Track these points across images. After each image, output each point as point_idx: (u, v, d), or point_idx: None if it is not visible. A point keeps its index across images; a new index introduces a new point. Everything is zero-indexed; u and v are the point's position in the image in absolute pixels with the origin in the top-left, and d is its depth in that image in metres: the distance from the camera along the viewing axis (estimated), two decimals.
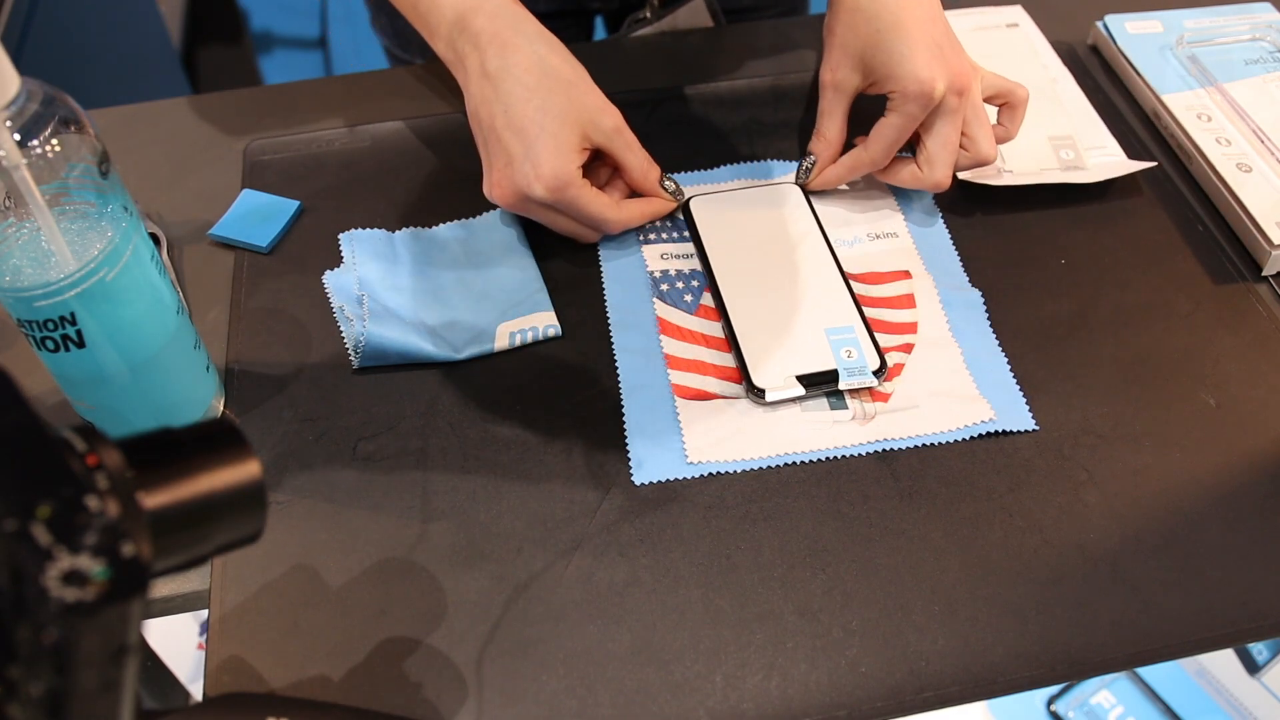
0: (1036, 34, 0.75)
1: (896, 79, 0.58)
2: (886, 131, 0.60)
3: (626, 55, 0.76)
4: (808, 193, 0.64)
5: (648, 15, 0.78)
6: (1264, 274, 0.60)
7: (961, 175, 0.65)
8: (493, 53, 0.56)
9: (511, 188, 0.56)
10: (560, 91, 0.56)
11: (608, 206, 0.58)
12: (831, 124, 0.63)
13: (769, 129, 0.69)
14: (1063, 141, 0.67)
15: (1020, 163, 0.66)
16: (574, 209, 0.57)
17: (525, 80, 0.56)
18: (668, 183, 0.61)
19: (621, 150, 0.58)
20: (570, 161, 0.55)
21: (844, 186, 0.65)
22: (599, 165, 0.61)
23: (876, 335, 0.56)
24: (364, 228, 0.62)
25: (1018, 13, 0.77)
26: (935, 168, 0.60)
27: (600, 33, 0.99)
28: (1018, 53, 0.74)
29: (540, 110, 0.55)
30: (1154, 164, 0.65)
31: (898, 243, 0.62)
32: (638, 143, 0.59)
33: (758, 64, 0.75)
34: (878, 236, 0.62)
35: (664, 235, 0.62)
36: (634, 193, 0.62)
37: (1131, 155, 0.67)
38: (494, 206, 0.63)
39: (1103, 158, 0.66)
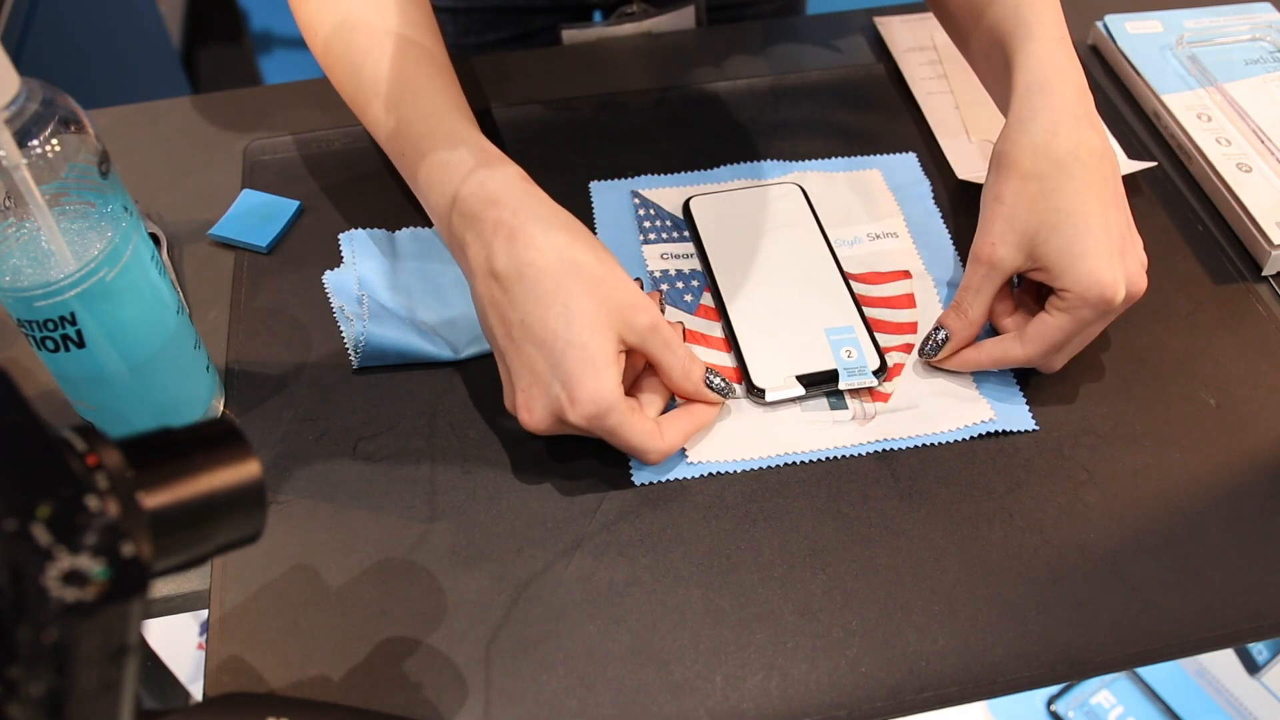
0: None
1: (1074, 278, 0.50)
2: (1051, 333, 0.51)
3: (626, 55, 0.76)
4: (807, 194, 0.64)
5: (634, 11, 0.77)
6: (1264, 274, 0.60)
7: (961, 175, 0.65)
8: (500, 246, 0.48)
9: (543, 413, 0.47)
10: (586, 292, 0.47)
11: (650, 435, 0.48)
12: (978, 303, 0.53)
13: (769, 129, 0.69)
14: None
15: None
16: (613, 437, 0.48)
17: (543, 282, 0.47)
18: (713, 378, 0.51)
19: (660, 351, 0.49)
20: (608, 380, 0.46)
21: (843, 185, 0.65)
22: (634, 353, 0.51)
23: (876, 335, 0.56)
24: (364, 228, 0.62)
25: None
26: (1060, 358, 0.53)
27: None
28: None
29: (563, 319, 0.46)
30: (1154, 164, 0.65)
31: (898, 243, 0.62)
32: (677, 338, 0.49)
33: (757, 64, 0.75)
34: (878, 236, 0.62)
35: (664, 235, 0.62)
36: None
37: (1131, 155, 0.67)
38: None
39: None
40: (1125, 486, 0.51)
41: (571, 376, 0.46)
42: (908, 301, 0.58)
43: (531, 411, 0.48)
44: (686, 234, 0.62)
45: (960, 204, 0.64)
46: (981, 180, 0.63)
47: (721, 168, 0.67)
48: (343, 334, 0.57)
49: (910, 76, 0.72)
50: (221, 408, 0.54)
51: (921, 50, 0.74)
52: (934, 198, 0.64)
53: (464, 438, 0.53)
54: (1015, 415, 0.53)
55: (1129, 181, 0.65)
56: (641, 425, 0.48)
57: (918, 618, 0.46)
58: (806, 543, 0.49)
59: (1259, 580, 0.48)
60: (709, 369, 0.51)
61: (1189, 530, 0.49)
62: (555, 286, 0.47)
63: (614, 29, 0.77)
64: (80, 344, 0.45)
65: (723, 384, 0.51)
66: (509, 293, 0.47)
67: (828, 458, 0.52)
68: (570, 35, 0.78)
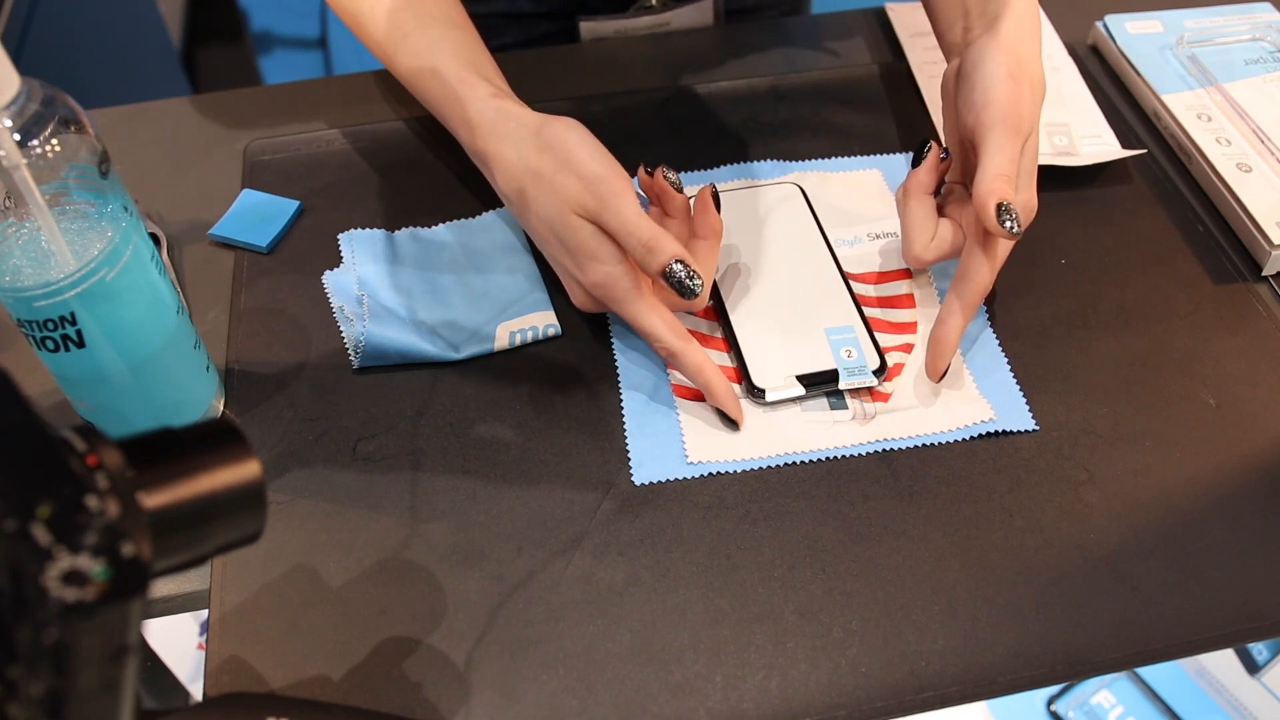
0: (1045, 23, 0.75)
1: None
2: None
3: (626, 55, 0.76)
4: (807, 194, 0.64)
5: (654, 4, 0.78)
6: (1264, 274, 0.60)
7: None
8: (493, 175, 0.55)
9: (578, 298, 0.54)
10: (546, 195, 0.52)
11: (659, 325, 0.51)
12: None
13: (769, 129, 0.69)
14: (1057, 128, 0.67)
15: None
16: (629, 323, 0.52)
17: (522, 200, 0.53)
18: (677, 269, 0.50)
19: (615, 232, 0.51)
20: (606, 260, 0.51)
21: (843, 185, 0.65)
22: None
23: (876, 335, 0.56)
24: (364, 228, 0.62)
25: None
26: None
27: None
28: None
29: (545, 222, 0.52)
30: (1143, 150, 0.65)
31: (898, 242, 0.62)
32: (633, 214, 0.50)
33: (758, 64, 0.75)
34: (878, 236, 0.62)
35: None
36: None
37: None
38: (493, 206, 0.63)
39: (1096, 146, 0.66)
40: (1125, 486, 0.51)
41: (581, 266, 0.52)
42: (908, 301, 0.58)
43: (573, 297, 0.55)
44: None
45: None
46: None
47: (721, 168, 0.67)
48: (343, 334, 0.57)
49: (914, 61, 0.73)
50: (221, 408, 0.54)
51: (928, 34, 0.74)
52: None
53: (464, 437, 0.53)
54: (1015, 415, 0.53)
55: (1130, 180, 0.65)
56: (652, 314, 0.51)
57: (918, 618, 0.46)
58: (806, 543, 0.49)
59: (1259, 580, 0.48)
60: (676, 259, 0.50)
61: (1189, 530, 0.49)
62: (531, 200, 0.53)
63: (631, 21, 0.77)
64: (80, 344, 0.45)
65: (684, 277, 0.50)
66: (515, 210, 0.55)
67: (828, 458, 0.52)
68: (588, 28, 0.78)
